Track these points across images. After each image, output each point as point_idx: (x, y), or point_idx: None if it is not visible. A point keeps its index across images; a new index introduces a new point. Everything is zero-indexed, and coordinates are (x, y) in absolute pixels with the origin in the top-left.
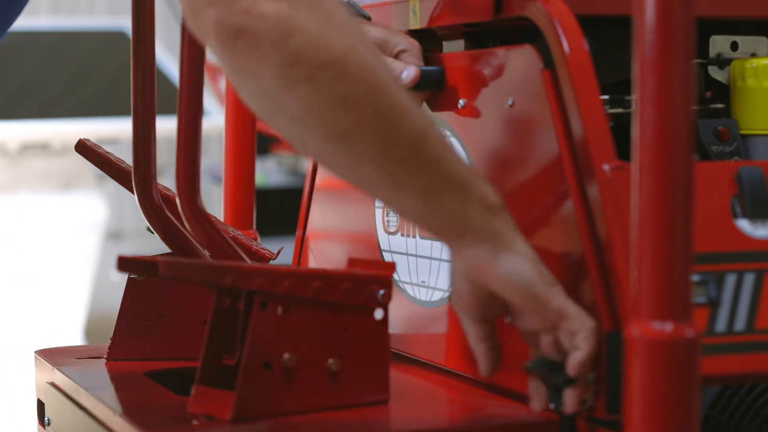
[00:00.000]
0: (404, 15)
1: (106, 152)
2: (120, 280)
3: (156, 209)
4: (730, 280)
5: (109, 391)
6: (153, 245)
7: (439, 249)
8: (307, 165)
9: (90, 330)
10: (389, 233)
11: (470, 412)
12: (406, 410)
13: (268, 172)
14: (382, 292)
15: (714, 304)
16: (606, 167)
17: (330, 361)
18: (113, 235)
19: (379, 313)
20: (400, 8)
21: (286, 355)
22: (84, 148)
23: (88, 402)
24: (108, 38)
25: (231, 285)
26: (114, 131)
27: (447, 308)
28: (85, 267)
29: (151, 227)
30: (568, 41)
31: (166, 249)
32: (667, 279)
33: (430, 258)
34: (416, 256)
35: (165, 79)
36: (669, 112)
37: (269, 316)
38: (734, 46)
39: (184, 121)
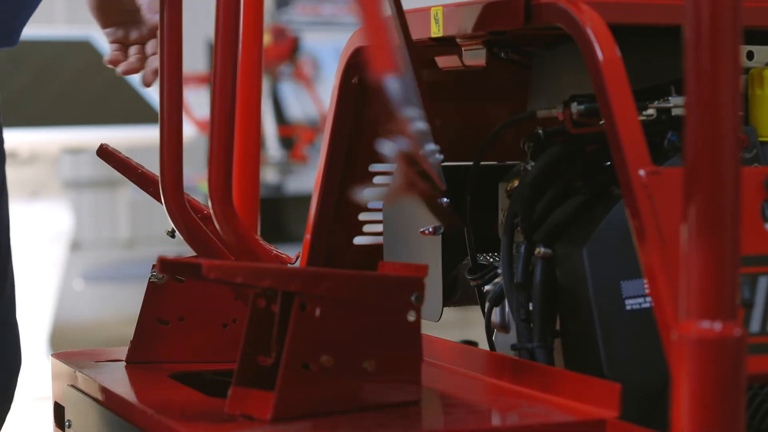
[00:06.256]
0: (426, 22)
1: (127, 157)
2: (83, 289)
3: (183, 212)
4: (763, 282)
5: (138, 393)
6: (112, 255)
7: None
8: (275, 177)
9: (54, 338)
10: None
11: (502, 411)
12: (440, 411)
13: None
14: (415, 294)
15: (748, 306)
16: (642, 172)
17: (365, 362)
18: (73, 245)
19: (411, 315)
20: (422, 16)
21: (323, 357)
22: (105, 153)
23: (117, 403)
24: (72, 47)
25: (270, 287)
26: (81, 140)
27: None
28: (50, 276)
29: (176, 230)
30: (601, 48)
31: (127, 258)
32: (717, 279)
33: None
34: None
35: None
36: (718, 118)
37: (308, 318)
38: (750, 56)
39: (217, 126)
